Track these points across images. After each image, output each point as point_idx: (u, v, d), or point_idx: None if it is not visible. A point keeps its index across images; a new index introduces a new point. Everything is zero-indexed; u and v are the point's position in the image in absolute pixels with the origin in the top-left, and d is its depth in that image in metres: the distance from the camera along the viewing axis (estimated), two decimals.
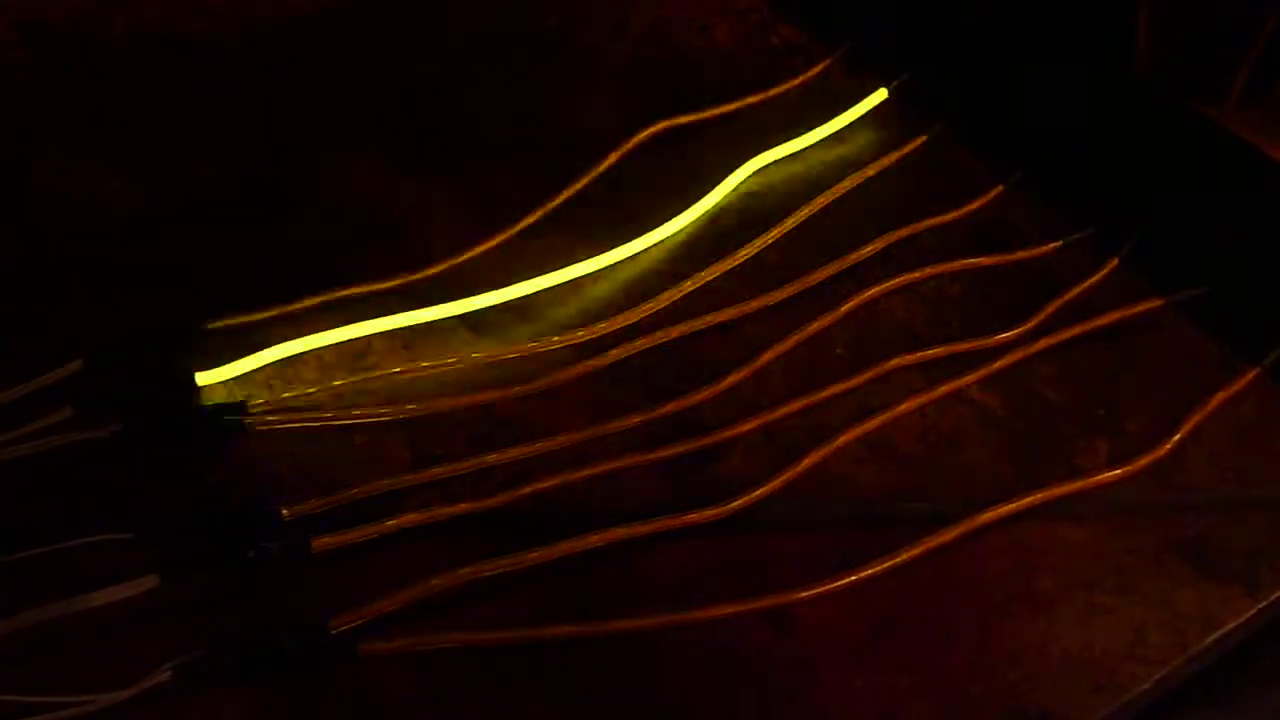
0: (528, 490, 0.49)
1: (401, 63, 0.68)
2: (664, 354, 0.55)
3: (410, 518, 0.48)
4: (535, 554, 0.47)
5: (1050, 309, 0.57)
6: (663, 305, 0.56)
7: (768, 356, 0.55)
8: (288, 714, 0.43)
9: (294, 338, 0.53)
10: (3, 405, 0.50)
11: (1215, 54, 0.71)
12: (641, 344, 0.55)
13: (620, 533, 0.48)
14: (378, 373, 0.53)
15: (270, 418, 0.51)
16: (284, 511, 0.47)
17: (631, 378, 0.54)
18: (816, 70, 0.68)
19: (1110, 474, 0.51)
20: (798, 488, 0.51)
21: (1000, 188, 0.62)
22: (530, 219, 0.59)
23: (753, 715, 0.44)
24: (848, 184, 0.62)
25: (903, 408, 0.53)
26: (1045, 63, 0.68)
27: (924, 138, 0.64)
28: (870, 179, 0.63)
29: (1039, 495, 0.50)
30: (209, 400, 0.51)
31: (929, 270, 0.59)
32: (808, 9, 0.71)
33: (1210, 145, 0.65)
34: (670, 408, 0.52)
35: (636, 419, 0.52)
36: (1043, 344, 0.56)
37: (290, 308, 0.54)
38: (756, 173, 0.63)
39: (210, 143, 0.63)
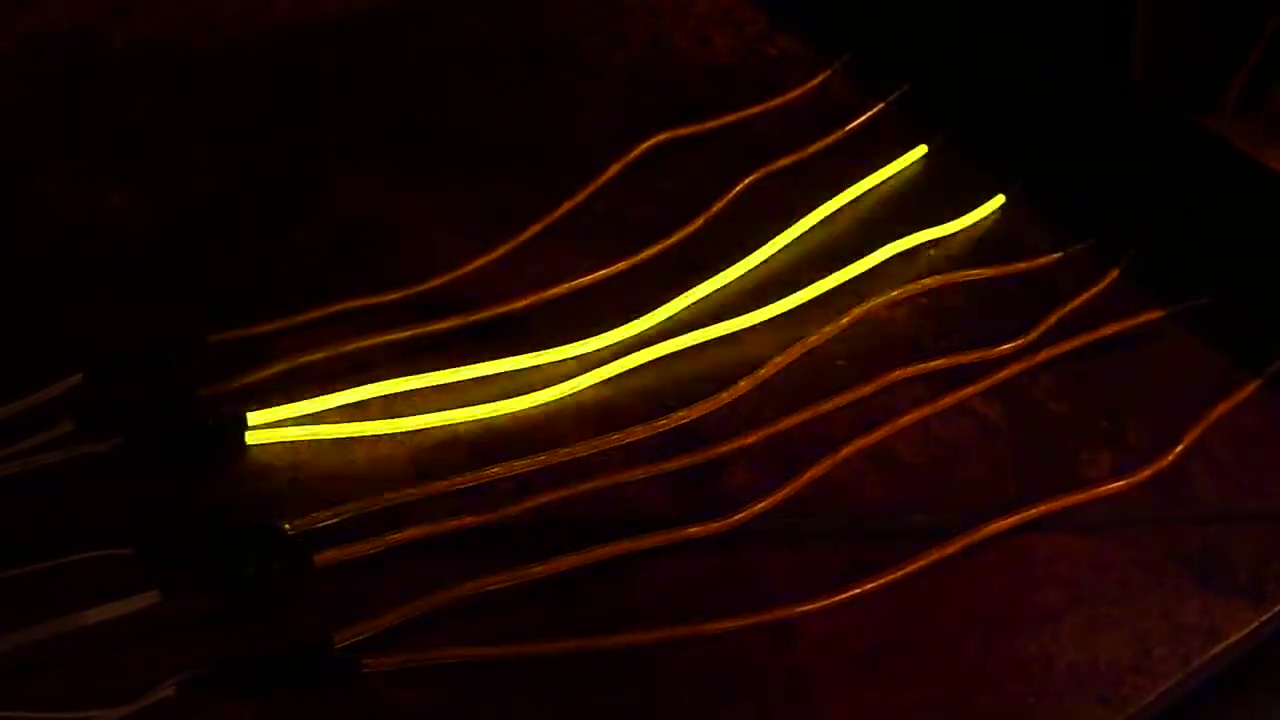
0: (530, 504, 0.49)
1: (401, 75, 0.68)
2: (666, 366, 0.55)
3: (413, 532, 0.48)
4: (538, 568, 0.47)
5: (1052, 320, 0.57)
6: (664, 317, 0.56)
7: (770, 368, 0.54)
8: None
9: (295, 350, 0.53)
10: (2, 420, 0.49)
11: (1212, 63, 0.71)
12: (643, 356, 0.55)
13: (623, 546, 0.48)
14: (379, 385, 0.52)
15: (272, 431, 0.50)
16: (286, 526, 0.47)
17: (633, 390, 0.54)
18: (816, 81, 0.68)
19: (1113, 485, 0.51)
20: (800, 500, 0.50)
21: (1001, 199, 0.62)
22: (531, 231, 0.59)
23: None
24: (848, 195, 0.62)
25: (905, 420, 0.53)
26: (1045, 73, 0.69)
27: (924, 149, 0.64)
28: (870, 190, 0.63)
29: (1042, 507, 0.50)
30: (209, 414, 0.51)
31: (930, 282, 0.58)
32: (807, 20, 0.71)
33: (1211, 155, 0.65)
34: (672, 420, 0.52)
35: (639, 432, 0.52)
36: (1044, 355, 0.55)
37: (291, 321, 0.54)
38: (756, 183, 0.63)
39: (211, 155, 0.63)
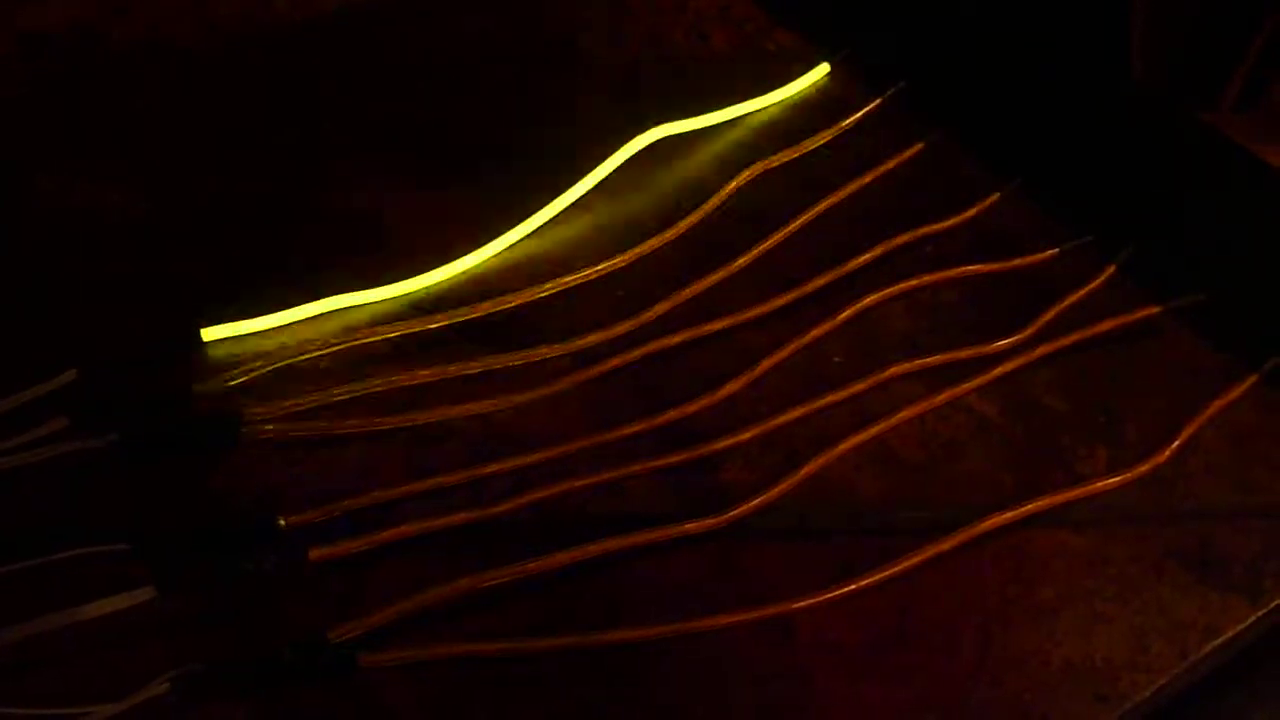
0: (526, 500, 0.49)
1: (401, 74, 0.68)
2: (662, 362, 0.55)
3: (408, 528, 0.48)
4: (534, 564, 0.47)
5: (1049, 316, 0.57)
6: (661, 313, 0.56)
7: (766, 364, 0.54)
8: None
9: (291, 347, 0.53)
10: None
11: (1209, 60, 0.71)
12: (640, 352, 0.55)
13: (619, 542, 0.48)
14: (375, 382, 0.53)
15: (267, 427, 0.51)
16: (281, 522, 0.47)
17: (630, 386, 0.54)
18: (814, 77, 0.68)
19: (1110, 481, 0.51)
20: (797, 497, 0.50)
21: (998, 194, 0.62)
22: (528, 226, 0.59)
23: None
24: (846, 191, 0.62)
25: (902, 415, 0.53)
26: (1042, 70, 0.69)
27: (922, 144, 0.64)
28: (868, 185, 0.63)
29: (1039, 503, 0.50)
30: (206, 410, 0.51)
31: (927, 277, 0.58)
32: (805, 16, 0.71)
33: (1208, 151, 0.65)
34: (669, 416, 0.52)
35: (635, 428, 0.52)
36: (1041, 351, 0.55)
37: (288, 317, 0.54)
38: (754, 179, 0.63)
39: (210, 154, 0.63)
